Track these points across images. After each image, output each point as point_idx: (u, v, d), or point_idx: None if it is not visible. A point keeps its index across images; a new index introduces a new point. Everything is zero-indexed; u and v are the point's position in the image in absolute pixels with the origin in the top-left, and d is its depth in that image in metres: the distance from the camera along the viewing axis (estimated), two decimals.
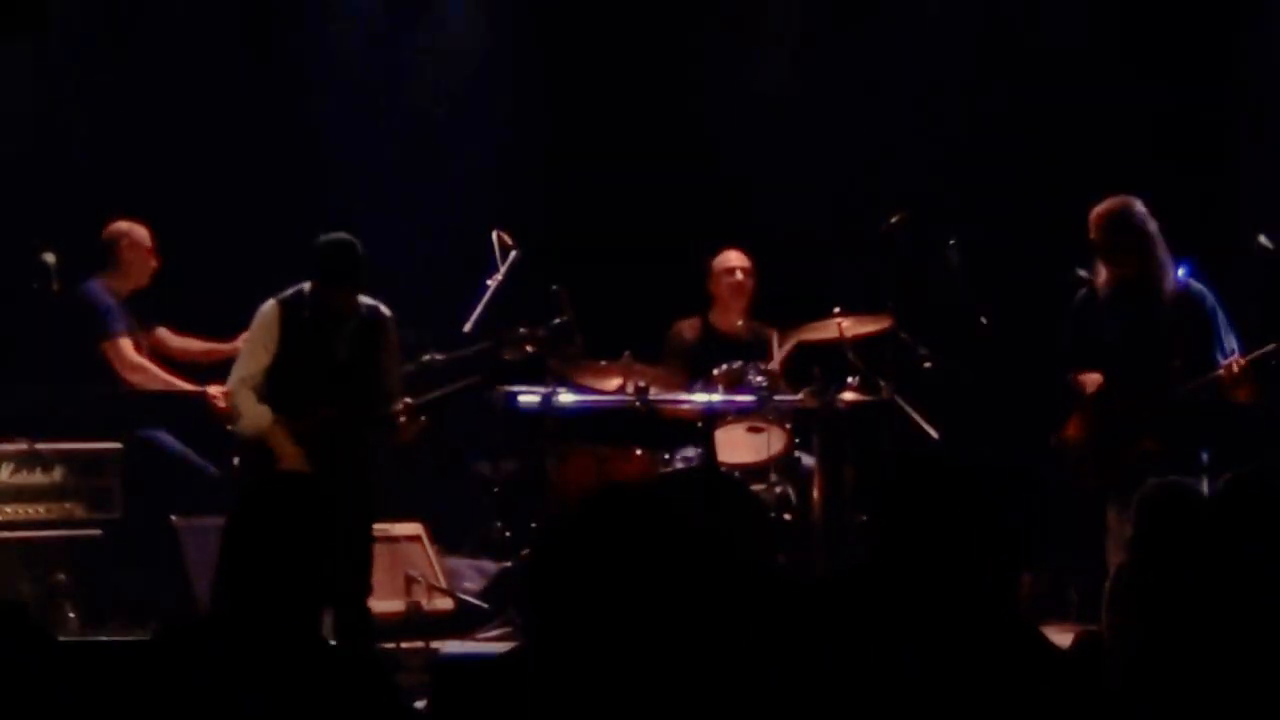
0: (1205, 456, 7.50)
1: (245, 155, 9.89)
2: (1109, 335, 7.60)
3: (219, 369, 8.76)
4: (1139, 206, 7.57)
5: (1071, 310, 7.73)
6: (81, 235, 8.74)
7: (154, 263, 8.71)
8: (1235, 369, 7.29)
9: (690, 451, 8.75)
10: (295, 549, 3.94)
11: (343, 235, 7.57)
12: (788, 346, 9.04)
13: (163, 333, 8.86)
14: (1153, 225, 7.56)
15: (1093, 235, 7.59)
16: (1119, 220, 7.55)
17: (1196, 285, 7.58)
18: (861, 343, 8.90)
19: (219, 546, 3.98)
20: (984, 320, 8.99)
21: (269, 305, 7.66)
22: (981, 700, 3.51)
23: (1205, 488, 7.42)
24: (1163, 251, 7.55)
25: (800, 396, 8.84)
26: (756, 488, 8.61)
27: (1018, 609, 3.78)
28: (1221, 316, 7.51)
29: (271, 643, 3.85)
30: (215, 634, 3.90)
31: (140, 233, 8.70)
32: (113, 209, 8.84)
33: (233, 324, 8.83)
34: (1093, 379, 7.59)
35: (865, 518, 4.54)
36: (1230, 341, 7.46)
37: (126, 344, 8.51)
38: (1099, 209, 7.60)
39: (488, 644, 8.20)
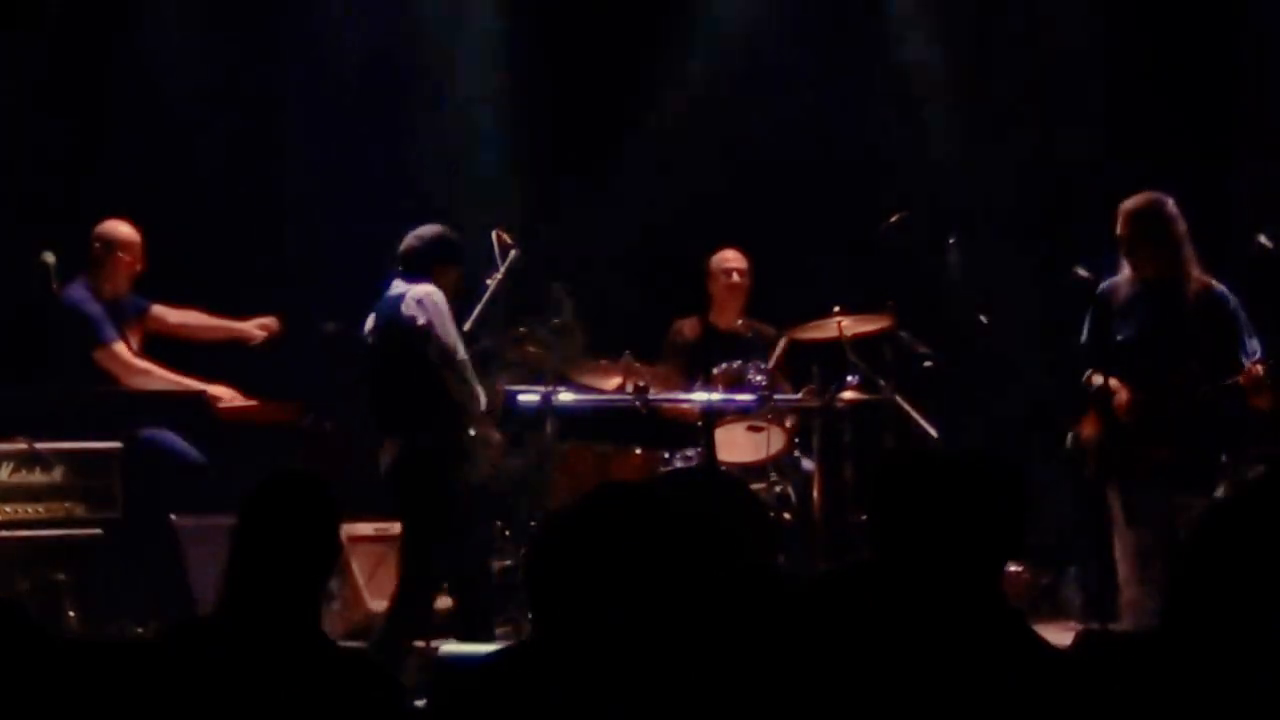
0: (1225, 459, 7.45)
1: (244, 154, 9.89)
2: (1129, 333, 7.49)
3: (221, 356, 8.75)
4: (1170, 205, 7.47)
5: (1091, 307, 7.57)
6: (81, 235, 8.72)
7: (135, 266, 8.55)
8: (1255, 374, 7.22)
9: (690, 451, 8.75)
10: (304, 548, 3.94)
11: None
12: (781, 345, 9.07)
13: (159, 310, 8.73)
14: (1182, 225, 7.45)
15: (1121, 230, 7.47)
16: (1149, 216, 7.45)
17: (1219, 287, 7.46)
18: (861, 342, 8.91)
19: (226, 544, 3.98)
20: (984, 320, 8.99)
21: (439, 291, 7.81)
22: (979, 696, 3.51)
23: (1223, 492, 7.39)
24: (1189, 251, 7.46)
25: (800, 396, 8.85)
26: (756, 487, 8.62)
27: (1006, 601, 3.75)
28: (1244, 320, 7.43)
29: (275, 641, 3.85)
30: (219, 632, 3.90)
31: (116, 234, 8.54)
32: (110, 208, 8.80)
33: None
34: (1110, 378, 7.51)
35: (865, 517, 4.53)
36: (1253, 345, 7.37)
37: (122, 349, 8.45)
38: (1129, 204, 7.48)
39: (488, 643, 8.19)
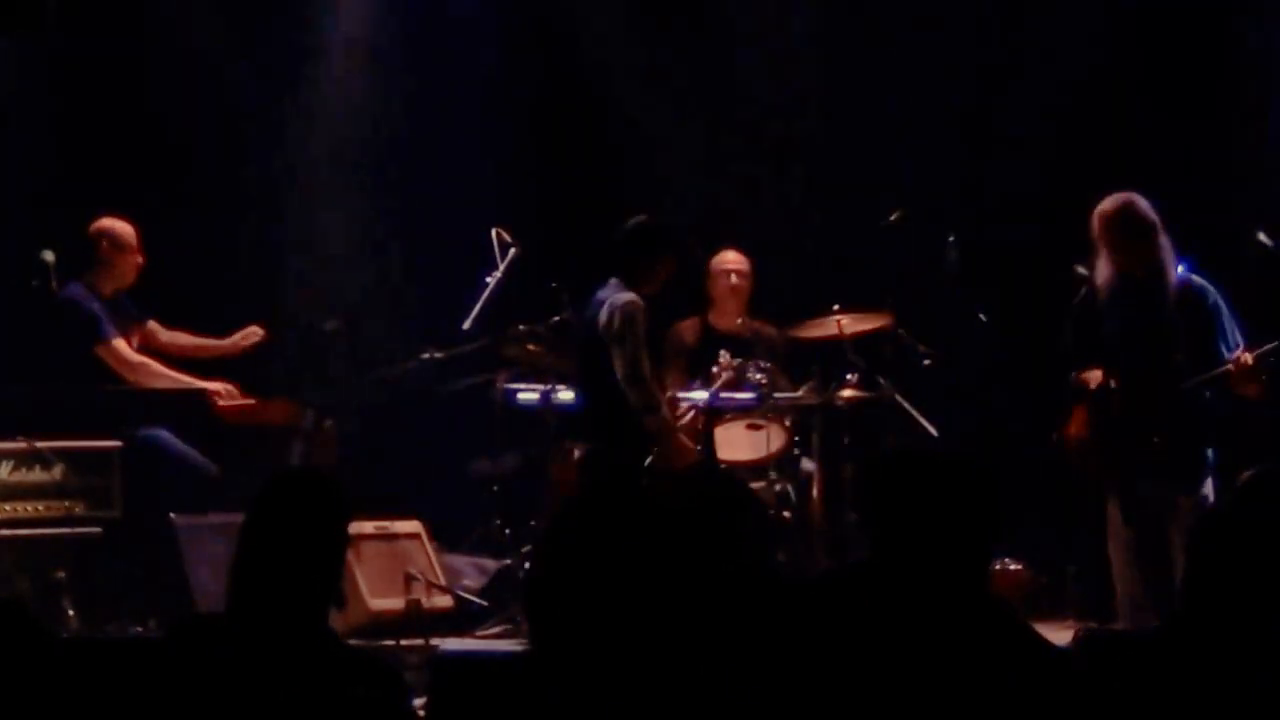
0: (1211, 454, 7.48)
1: (245, 153, 9.89)
2: (1111, 332, 7.56)
3: (212, 365, 8.74)
4: (1142, 202, 7.55)
5: (1073, 308, 7.69)
6: (79, 234, 8.71)
7: (139, 260, 8.56)
8: (1243, 363, 7.27)
9: None
10: (313, 547, 3.94)
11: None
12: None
13: (153, 326, 8.74)
14: (1155, 221, 7.54)
15: (1096, 231, 7.56)
16: (1123, 216, 7.52)
17: (1198, 280, 7.54)
18: (861, 340, 8.91)
19: (226, 543, 3.97)
20: (983, 318, 8.99)
21: (638, 299, 7.97)
22: (980, 695, 3.51)
23: (1210, 488, 7.42)
24: (1165, 247, 7.53)
25: (800, 394, 8.84)
26: (756, 486, 8.61)
27: (1001, 601, 3.76)
28: (1225, 311, 7.49)
29: (282, 639, 3.85)
30: (225, 630, 3.90)
31: (122, 230, 8.52)
32: (104, 206, 8.78)
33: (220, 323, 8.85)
34: (1095, 376, 7.57)
35: (859, 516, 4.53)
36: (1235, 336, 7.44)
37: (121, 344, 8.45)
38: (1102, 205, 7.57)
39: (487, 641, 8.21)
